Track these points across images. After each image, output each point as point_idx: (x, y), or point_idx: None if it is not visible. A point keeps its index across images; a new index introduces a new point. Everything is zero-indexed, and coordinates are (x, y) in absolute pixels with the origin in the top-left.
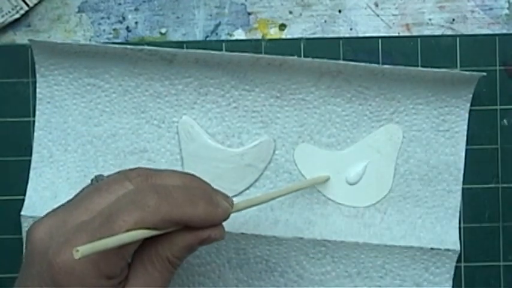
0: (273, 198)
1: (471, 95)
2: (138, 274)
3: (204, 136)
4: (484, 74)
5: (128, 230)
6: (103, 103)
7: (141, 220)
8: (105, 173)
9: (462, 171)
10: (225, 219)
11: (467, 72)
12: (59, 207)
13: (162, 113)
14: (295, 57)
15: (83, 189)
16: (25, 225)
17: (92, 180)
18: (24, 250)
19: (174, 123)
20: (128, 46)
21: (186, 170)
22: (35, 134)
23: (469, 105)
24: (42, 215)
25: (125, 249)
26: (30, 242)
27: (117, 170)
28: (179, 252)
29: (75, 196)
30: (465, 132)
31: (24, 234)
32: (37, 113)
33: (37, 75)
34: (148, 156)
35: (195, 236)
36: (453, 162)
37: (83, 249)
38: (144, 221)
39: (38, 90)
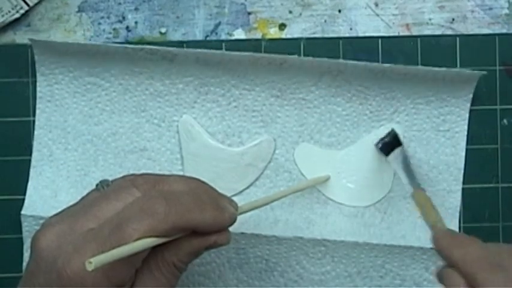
0: (275, 200)
1: (471, 95)
2: (144, 279)
3: (204, 135)
4: (485, 72)
5: (138, 238)
6: (103, 102)
7: (150, 228)
8: (105, 172)
9: (462, 171)
10: (231, 225)
11: (467, 71)
12: (63, 212)
13: (163, 112)
14: (296, 56)
15: (88, 194)
16: (25, 225)
17: (97, 185)
18: (25, 252)
19: (174, 122)
20: (129, 45)
21: (186, 169)
22: (35, 132)
23: (469, 105)
24: (42, 214)
25: (134, 257)
26: (36, 250)
27: (117, 168)
28: (185, 257)
29: (80, 202)
30: (465, 132)
31: (24, 234)
32: (37, 111)
33: (37, 74)
34: (149, 155)
35: (201, 242)
36: (453, 162)
37: (95, 261)
38: (153, 229)
39: (38, 89)
